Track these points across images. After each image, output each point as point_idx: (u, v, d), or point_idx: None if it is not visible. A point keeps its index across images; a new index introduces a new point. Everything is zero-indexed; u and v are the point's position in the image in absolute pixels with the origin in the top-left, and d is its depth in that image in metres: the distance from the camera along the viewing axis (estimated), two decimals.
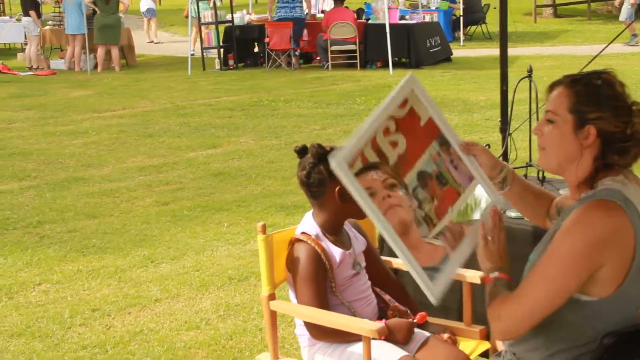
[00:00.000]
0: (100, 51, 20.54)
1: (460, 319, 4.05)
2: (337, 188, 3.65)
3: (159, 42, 27.33)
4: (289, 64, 19.73)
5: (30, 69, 21.05)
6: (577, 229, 2.65)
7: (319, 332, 3.65)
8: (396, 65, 18.64)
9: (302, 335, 3.78)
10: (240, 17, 21.14)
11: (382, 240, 4.70)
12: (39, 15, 21.67)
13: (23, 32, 22.38)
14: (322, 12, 22.25)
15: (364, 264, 3.88)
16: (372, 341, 3.45)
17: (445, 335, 3.84)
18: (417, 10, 21.80)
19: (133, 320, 5.75)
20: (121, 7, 21.45)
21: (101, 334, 5.54)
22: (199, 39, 21.58)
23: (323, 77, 18.19)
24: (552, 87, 2.83)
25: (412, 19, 20.14)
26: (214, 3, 20.71)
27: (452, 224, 2.97)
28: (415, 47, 19.03)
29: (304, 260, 3.64)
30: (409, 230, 2.85)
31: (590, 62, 6.23)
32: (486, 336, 3.91)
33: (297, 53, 20.04)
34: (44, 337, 5.51)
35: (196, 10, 20.79)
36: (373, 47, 19.20)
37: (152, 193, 9.10)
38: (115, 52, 20.65)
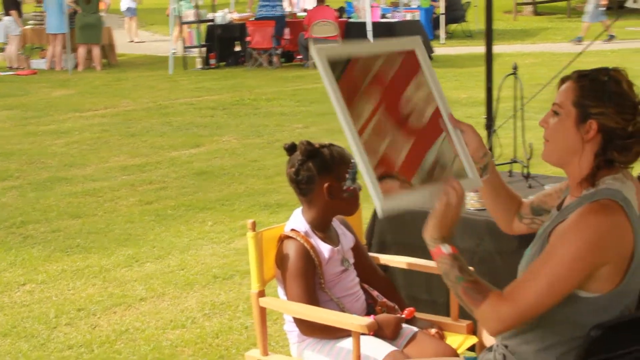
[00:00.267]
0: (82, 50, 20.45)
1: (447, 314, 4.07)
2: (326, 185, 3.67)
3: (140, 42, 27.24)
4: (270, 63, 19.72)
5: (11, 68, 20.94)
6: (579, 230, 2.66)
7: (308, 328, 3.67)
8: None
9: (292, 331, 3.79)
10: (222, 16, 21.10)
11: (370, 237, 4.73)
12: (20, 14, 21.58)
13: (3, 32, 22.26)
14: (304, 10, 22.25)
15: (352, 260, 3.89)
16: (361, 337, 3.47)
17: (433, 330, 3.86)
18: (399, 9, 21.81)
19: (119, 320, 5.74)
20: (102, 6, 21.39)
21: (87, 333, 5.53)
22: (180, 38, 21.54)
23: (305, 75, 18.20)
24: (562, 81, 2.85)
25: (394, 17, 20.18)
26: (196, 2, 20.67)
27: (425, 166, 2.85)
28: None
29: (293, 257, 3.65)
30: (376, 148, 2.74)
31: (574, 60, 6.27)
32: (473, 331, 3.93)
33: (278, 52, 20.05)
34: (29, 337, 5.50)
35: (178, 9, 20.75)
36: None
37: (135, 192, 9.08)
38: (96, 51, 20.56)
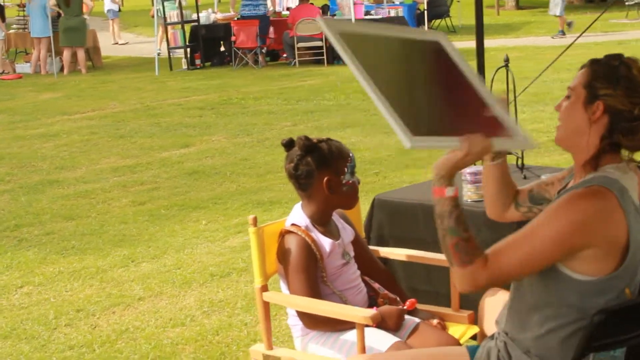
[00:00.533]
0: (66, 54, 20.44)
1: (448, 305, 4.11)
2: (325, 179, 3.70)
3: (124, 43, 27.24)
4: (255, 62, 19.75)
5: None
6: (565, 210, 2.71)
7: (311, 322, 3.70)
8: None
9: (295, 325, 3.82)
10: (206, 16, 21.13)
11: (367, 230, 4.77)
12: (3, 19, 21.53)
13: None
14: (288, 9, 22.29)
15: (352, 253, 3.93)
16: (365, 329, 3.51)
17: (435, 321, 3.90)
18: (382, 5, 21.90)
19: (118, 319, 5.76)
20: (85, 8, 21.35)
21: (87, 333, 5.55)
22: (164, 39, 21.55)
23: (291, 74, 18.24)
24: (580, 69, 2.92)
25: (377, 14, 20.26)
26: (179, 3, 20.68)
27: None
28: None
29: (294, 251, 3.68)
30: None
31: (563, 53, 6.32)
32: (474, 321, 3.97)
33: (263, 51, 20.08)
34: (30, 339, 5.51)
35: (162, 10, 20.75)
36: None
37: (127, 193, 9.10)
38: (81, 54, 20.55)
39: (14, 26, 22.75)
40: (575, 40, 6.64)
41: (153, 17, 21.69)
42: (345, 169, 3.74)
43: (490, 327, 3.59)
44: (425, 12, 24.49)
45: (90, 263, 6.90)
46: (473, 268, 2.70)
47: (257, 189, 8.91)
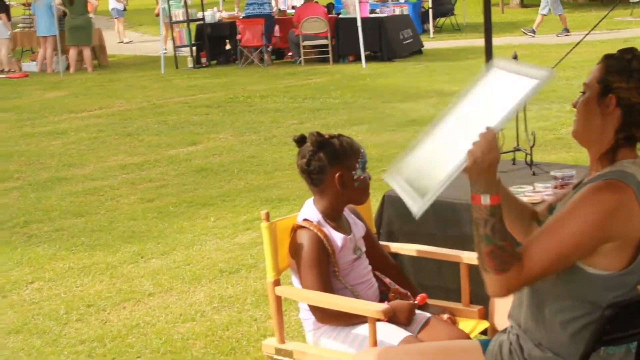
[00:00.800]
0: (72, 52, 20.48)
1: (458, 299, 4.14)
2: (337, 174, 3.74)
3: (129, 42, 27.27)
4: (261, 61, 19.77)
5: (2, 72, 20.97)
6: (582, 206, 2.74)
7: (323, 316, 3.74)
8: (369, 58, 18.74)
9: (307, 319, 3.86)
10: (211, 15, 21.16)
11: (377, 226, 4.80)
12: (9, 18, 21.59)
13: None
14: (293, 7, 22.31)
15: (364, 248, 3.96)
16: (376, 323, 3.54)
17: (445, 316, 3.93)
18: (387, 4, 21.94)
19: (129, 314, 5.81)
20: (89, 7, 21.39)
21: (98, 328, 5.59)
22: (170, 38, 21.58)
23: (297, 72, 18.27)
24: (597, 65, 2.96)
25: (383, 12, 20.28)
26: (185, 1, 20.72)
27: None
28: (387, 40, 19.16)
29: (307, 246, 3.72)
30: None
31: (571, 51, 6.36)
32: (485, 316, 4.00)
33: (269, 49, 20.12)
34: (41, 334, 5.56)
35: (167, 9, 20.79)
36: (345, 41, 19.31)
37: (136, 190, 9.14)
38: (87, 52, 20.59)
39: (20, 25, 22.79)
40: (583, 38, 6.68)
41: (157, 16, 21.73)
42: (357, 165, 3.78)
43: (500, 322, 3.63)
44: (430, 10, 24.54)
45: (100, 259, 6.94)
46: (509, 275, 2.73)
47: (265, 186, 8.94)
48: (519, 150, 5.11)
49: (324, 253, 3.74)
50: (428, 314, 3.87)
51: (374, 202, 4.81)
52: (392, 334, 3.62)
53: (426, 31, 24.32)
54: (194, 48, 20.46)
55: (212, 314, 5.73)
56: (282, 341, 3.90)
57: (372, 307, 3.53)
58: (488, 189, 2.74)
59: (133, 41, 27.57)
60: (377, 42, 19.20)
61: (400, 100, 13.89)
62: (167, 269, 6.64)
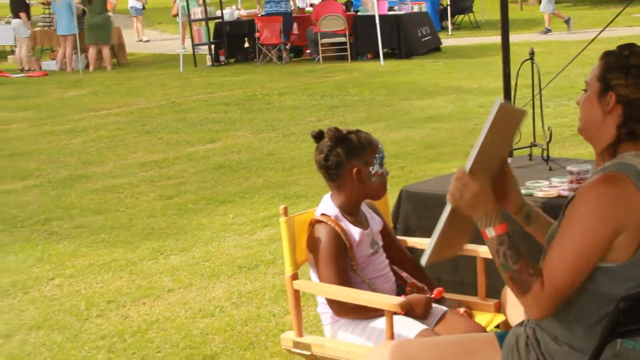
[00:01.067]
0: (92, 51, 20.59)
1: (475, 293, 4.17)
2: (355, 170, 3.77)
3: (147, 40, 27.39)
4: (279, 58, 19.83)
5: (22, 70, 21.11)
6: (585, 202, 2.75)
7: (341, 309, 3.77)
8: (387, 55, 18.76)
9: (325, 313, 3.89)
10: (230, 13, 21.24)
11: (394, 221, 4.83)
12: (29, 17, 21.72)
13: (12, 35, 22.38)
14: (311, 5, 22.35)
15: (381, 243, 3.99)
16: (393, 316, 3.57)
17: (462, 310, 3.95)
18: (405, 1, 21.92)
19: (148, 310, 5.86)
20: (108, 6, 21.50)
21: (118, 324, 5.64)
22: (188, 36, 21.66)
23: (315, 69, 18.31)
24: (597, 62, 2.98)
25: (401, 10, 20.28)
26: (204, 0, 20.80)
27: None
28: (406, 37, 19.18)
29: (324, 240, 3.75)
30: None
31: (586, 47, 6.36)
32: (500, 309, 4.02)
33: (287, 47, 20.17)
34: (62, 329, 5.61)
35: (185, 7, 20.86)
36: (363, 38, 19.35)
37: (155, 188, 9.20)
38: (106, 51, 20.71)
39: (40, 24, 22.94)
40: (598, 34, 6.67)
41: (174, 16, 21.80)
42: (374, 160, 3.81)
43: (512, 315, 3.65)
44: (449, 7, 24.53)
45: (119, 256, 7.00)
46: (532, 294, 2.76)
47: (283, 183, 8.98)
48: (535, 145, 5.13)
49: (342, 247, 3.77)
50: (445, 308, 3.89)
51: (391, 198, 4.83)
52: (409, 328, 3.64)
53: (444, 28, 24.32)
54: (213, 46, 20.54)
55: (231, 309, 5.77)
56: (300, 334, 3.93)
57: (389, 301, 3.55)
58: (488, 222, 2.82)
59: (152, 40, 27.69)
60: (395, 40, 19.22)
61: (418, 98, 13.91)
62: (186, 265, 6.69)
